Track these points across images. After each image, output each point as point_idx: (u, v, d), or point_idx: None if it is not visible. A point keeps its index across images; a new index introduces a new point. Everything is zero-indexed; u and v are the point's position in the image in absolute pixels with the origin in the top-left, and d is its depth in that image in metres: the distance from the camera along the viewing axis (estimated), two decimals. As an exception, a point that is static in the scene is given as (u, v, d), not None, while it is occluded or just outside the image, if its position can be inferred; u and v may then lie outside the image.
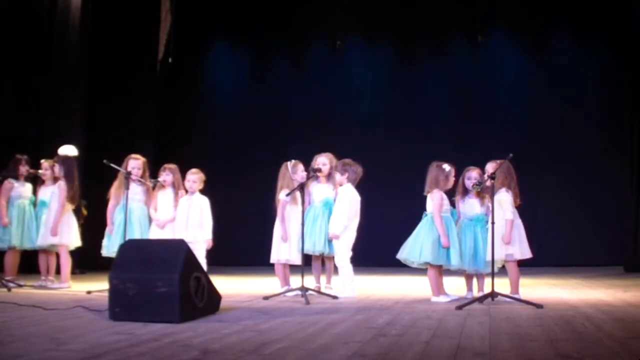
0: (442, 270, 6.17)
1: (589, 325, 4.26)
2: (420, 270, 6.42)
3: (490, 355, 3.22)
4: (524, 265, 6.23)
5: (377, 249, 9.43)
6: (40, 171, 8.01)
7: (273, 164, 7.22)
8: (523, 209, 6.17)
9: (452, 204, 6.24)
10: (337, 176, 6.72)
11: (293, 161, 6.92)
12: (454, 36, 12.90)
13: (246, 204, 12.10)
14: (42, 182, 8.04)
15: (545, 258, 8.95)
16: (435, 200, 6.02)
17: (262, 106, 13.36)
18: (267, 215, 7.32)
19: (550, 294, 6.69)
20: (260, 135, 13.09)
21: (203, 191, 7.27)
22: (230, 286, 7.65)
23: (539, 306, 5.31)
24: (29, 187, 8.10)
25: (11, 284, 7.24)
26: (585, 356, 3.20)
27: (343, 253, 6.61)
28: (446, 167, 6.18)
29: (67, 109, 10.35)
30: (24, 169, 8.01)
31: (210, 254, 7.16)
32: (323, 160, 6.89)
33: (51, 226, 7.59)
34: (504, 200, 5.93)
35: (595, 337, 3.78)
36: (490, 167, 6.08)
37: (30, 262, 8.32)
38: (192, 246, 5.22)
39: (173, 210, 7.25)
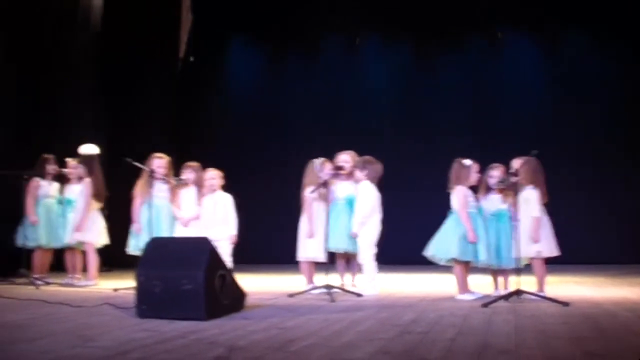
0: (469, 268, 6.15)
1: (614, 323, 4.23)
2: (443, 268, 6.40)
3: (515, 353, 3.21)
4: (549, 263, 6.20)
5: (400, 247, 9.39)
6: (65, 170, 8.10)
7: (294, 160, 7.23)
8: (547, 207, 6.13)
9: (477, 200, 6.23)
10: (357, 173, 6.73)
11: (321, 159, 6.84)
12: (473, 34, 12.77)
13: (270, 202, 12.10)
14: (69, 180, 8.13)
15: (570, 256, 8.81)
16: (459, 197, 6.02)
17: (281, 104, 13.33)
18: (290, 213, 7.33)
19: (575, 292, 6.65)
20: (280, 132, 13.05)
21: (225, 189, 7.34)
22: (255, 284, 7.68)
23: (564, 304, 5.27)
24: (55, 186, 8.19)
25: (39, 282, 7.34)
26: (610, 354, 3.18)
27: (365, 250, 6.61)
28: (466, 162, 6.18)
29: (88, 109, 10.45)
30: (50, 168, 8.11)
31: (234, 252, 7.21)
32: (345, 158, 6.88)
33: (77, 223, 7.68)
34: (532, 198, 5.90)
35: (620, 335, 3.75)
36: (516, 163, 6.05)
37: (58, 260, 8.41)
38: (217, 244, 5.25)
39: (196, 208, 7.31)
